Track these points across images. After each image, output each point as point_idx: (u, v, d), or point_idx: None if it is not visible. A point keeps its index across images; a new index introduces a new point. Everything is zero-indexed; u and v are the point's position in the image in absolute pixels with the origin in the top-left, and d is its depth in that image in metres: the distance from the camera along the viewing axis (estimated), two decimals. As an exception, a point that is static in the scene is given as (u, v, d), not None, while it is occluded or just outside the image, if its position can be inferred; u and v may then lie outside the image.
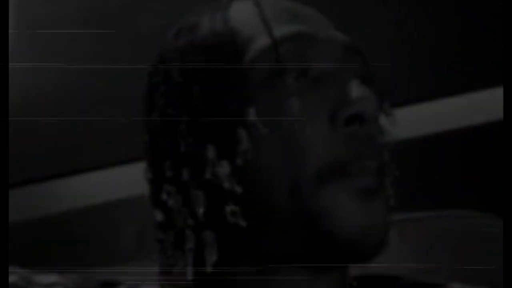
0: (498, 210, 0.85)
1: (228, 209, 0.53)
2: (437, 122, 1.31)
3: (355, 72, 0.56)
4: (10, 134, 0.64)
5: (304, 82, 0.54)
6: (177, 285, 0.56)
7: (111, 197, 1.22)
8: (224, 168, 0.53)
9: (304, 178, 0.52)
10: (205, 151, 0.54)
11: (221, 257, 0.54)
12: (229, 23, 0.56)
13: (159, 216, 0.56)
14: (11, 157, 0.68)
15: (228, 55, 0.55)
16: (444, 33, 1.35)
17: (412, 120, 1.26)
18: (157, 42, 0.61)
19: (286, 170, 0.52)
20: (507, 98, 0.62)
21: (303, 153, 0.52)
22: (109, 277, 0.67)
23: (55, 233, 1.21)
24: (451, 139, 1.31)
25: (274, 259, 0.55)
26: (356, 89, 0.53)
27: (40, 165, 1.23)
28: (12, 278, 0.64)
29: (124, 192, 1.21)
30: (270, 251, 0.54)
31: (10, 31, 1.17)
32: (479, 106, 1.32)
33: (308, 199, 0.52)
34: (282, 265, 0.55)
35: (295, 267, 0.55)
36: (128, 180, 1.20)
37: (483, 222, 0.92)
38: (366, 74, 0.57)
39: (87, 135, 1.24)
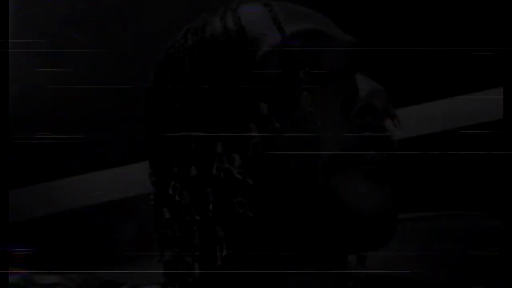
0: (498, 210, 0.85)
1: (235, 201, 0.53)
2: (437, 122, 1.31)
3: (364, 68, 0.57)
4: (10, 133, 0.64)
5: (316, 76, 0.55)
6: (184, 281, 0.56)
7: (111, 196, 1.23)
8: (235, 161, 0.54)
9: (318, 168, 0.52)
10: (215, 146, 0.54)
11: (228, 252, 0.54)
12: (240, 22, 0.57)
13: (166, 214, 0.57)
14: (11, 157, 0.68)
15: (240, 51, 0.56)
16: (443, 33, 1.35)
17: (412, 120, 1.26)
18: (161, 42, 0.61)
19: (300, 161, 0.52)
20: (507, 98, 0.62)
21: (316, 144, 0.52)
22: (109, 278, 0.67)
23: (55, 233, 1.21)
24: (450, 139, 1.31)
25: (284, 252, 0.55)
26: (367, 83, 0.54)
27: (40, 165, 1.23)
28: (12, 278, 0.64)
29: (124, 192, 1.21)
30: (280, 243, 0.55)
31: (10, 31, 1.17)
32: (479, 106, 1.32)
33: (322, 187, 0.52)
34: (292, 257, 0.55)
35: (304, 260, 0.55)
36: (128, 180, 1.20)
37: (482, 222, 0.92)
38: (372, 71, 0.58)
39: (87, 135, 1.24)
